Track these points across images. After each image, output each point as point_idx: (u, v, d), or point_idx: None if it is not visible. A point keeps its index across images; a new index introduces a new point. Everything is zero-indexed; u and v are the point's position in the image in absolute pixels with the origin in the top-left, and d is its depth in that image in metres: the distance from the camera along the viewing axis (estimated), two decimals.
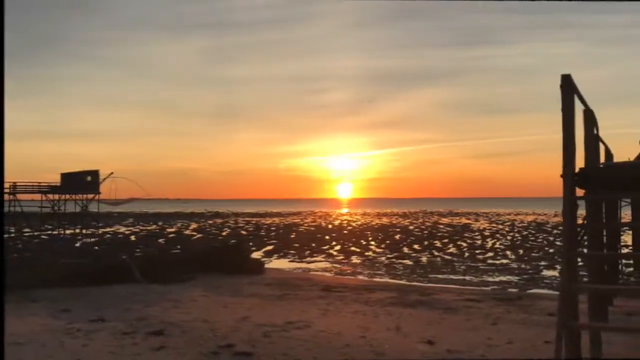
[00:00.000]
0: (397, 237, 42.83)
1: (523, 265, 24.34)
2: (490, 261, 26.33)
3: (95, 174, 58.53)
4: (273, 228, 55.74)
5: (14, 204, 53.38)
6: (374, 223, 65.30)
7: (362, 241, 38.86)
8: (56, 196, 57.11)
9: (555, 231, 46.59)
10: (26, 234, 45.92)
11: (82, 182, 57.93)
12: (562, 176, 6.61)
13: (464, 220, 70.41)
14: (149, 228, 57.22)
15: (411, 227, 55.53)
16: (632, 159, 12.21)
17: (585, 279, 8.76)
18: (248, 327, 10.59)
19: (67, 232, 50.03)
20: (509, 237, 41.33)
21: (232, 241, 28.31)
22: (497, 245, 34.58)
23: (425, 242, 37.02)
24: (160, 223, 67.73)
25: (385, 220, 73.72)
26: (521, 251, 30.73)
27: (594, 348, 7.03)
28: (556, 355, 5.53)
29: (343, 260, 27.40)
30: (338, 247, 34.37)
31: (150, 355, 8.40)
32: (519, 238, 40.47)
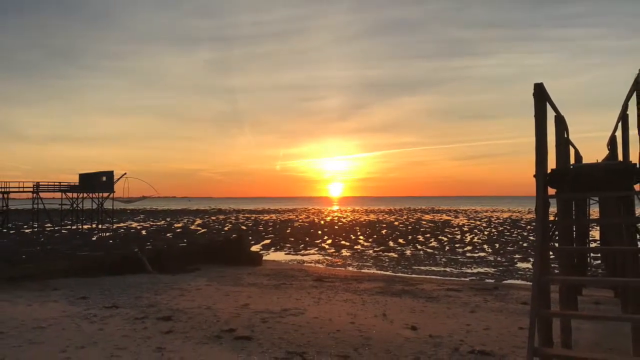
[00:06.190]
0: (384, 232, 42.78)
1: (499, 258, 24.33)
2: (469, 254, 26.30)
3: (110, 174, 58.59)
4: (270, 224, 55.63)
5: (37, 202, 53.22)
6: (362, 219, 65.23)
7: (351, 236, 38.80)
8: (75, 194, 56.97)
9: (528, 227, 46.72)
10: (48, 229, 45.76)
11: (98, 181, 57.97)
12: (535, 176, 6.57)
13: (444, 217, 70.43)
14: (158, 223, 57.05)
15: (396, 223, 55.48)
16: (600, 160, 12.18)
17: (556, 271, 8.72)
18: (248, 313, 10.52)
19: (85, 227, 49.88)
20: (486, 233, 41.33)
21: (233, 235, 28.12)
22: (475, 240, 34.56)
23: (409, 237, 36.98)
24: (168, 219, 67.57)
25: (372, 216, 73.66)
26: (497, 245, 30.72)
27: (564, 334, 7.00)
28: (530, 340, 5.48)
29: (334, 253, 27.34)
30: (330, 241, 34.30)
31: (160, 338, 8.33)
32: (495, 233, 40.48)
